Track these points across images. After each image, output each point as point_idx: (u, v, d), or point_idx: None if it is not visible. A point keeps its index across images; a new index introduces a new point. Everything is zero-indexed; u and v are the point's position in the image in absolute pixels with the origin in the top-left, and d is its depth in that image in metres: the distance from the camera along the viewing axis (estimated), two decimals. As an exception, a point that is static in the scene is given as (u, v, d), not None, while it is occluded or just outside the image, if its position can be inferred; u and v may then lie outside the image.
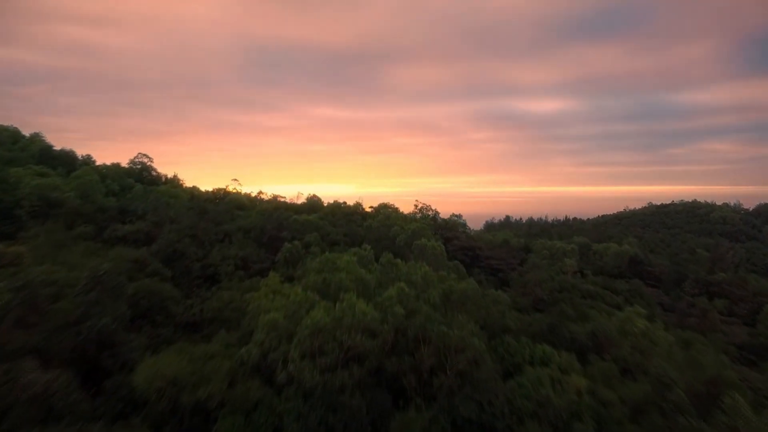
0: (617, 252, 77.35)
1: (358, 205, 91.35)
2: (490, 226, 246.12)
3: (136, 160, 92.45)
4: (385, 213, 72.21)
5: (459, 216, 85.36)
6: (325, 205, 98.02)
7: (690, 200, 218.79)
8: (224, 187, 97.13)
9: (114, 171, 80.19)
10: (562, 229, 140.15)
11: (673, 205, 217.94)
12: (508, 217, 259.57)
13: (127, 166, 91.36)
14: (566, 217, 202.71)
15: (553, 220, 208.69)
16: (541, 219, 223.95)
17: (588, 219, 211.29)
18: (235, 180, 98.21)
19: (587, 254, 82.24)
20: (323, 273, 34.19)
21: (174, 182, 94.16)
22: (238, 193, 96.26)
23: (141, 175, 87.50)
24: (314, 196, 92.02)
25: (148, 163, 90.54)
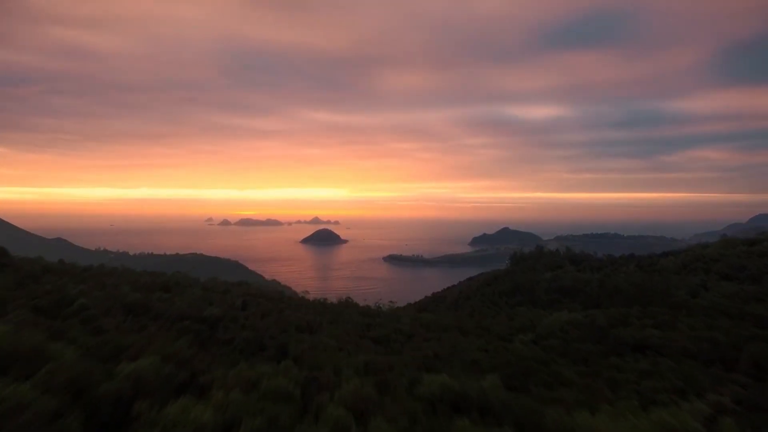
0: None
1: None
2: (519, 259, 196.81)
3: None
4: None
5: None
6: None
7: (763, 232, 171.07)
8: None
9: None
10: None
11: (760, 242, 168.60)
12: (541, 247, 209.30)
13: None
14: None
15: (605, 257, 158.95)
16: (596, 244, 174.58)
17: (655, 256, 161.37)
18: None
19: None
20: None
21: None
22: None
23: None
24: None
25: None
